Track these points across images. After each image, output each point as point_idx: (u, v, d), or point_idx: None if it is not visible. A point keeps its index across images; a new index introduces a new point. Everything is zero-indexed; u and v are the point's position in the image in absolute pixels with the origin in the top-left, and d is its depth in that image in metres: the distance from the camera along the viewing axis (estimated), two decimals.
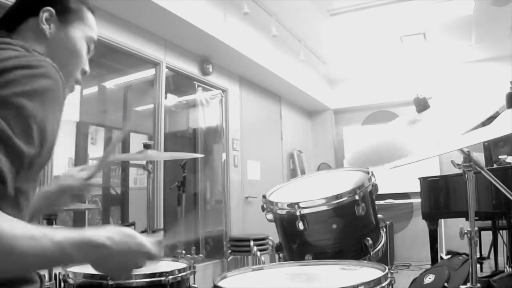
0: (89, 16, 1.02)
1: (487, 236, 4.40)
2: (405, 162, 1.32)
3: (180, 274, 1.50)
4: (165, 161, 3.85)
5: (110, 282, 1.35)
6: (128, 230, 0.79)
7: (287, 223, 1.62)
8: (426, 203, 3.55)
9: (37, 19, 0.92)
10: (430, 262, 3.69)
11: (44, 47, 0.93)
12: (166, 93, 4.01)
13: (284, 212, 1.60)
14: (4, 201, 0.66)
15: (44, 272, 2.05)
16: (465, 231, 1.45)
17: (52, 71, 0.78)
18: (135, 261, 0.79)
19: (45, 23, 0.92)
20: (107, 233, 0.75)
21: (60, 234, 0.69)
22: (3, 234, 0.61)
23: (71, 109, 3.19)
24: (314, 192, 1.72)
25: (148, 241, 0.80)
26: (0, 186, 0.65)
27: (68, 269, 1.48)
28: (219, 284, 1.17)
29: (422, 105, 1.52)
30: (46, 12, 0.92)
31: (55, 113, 0.77)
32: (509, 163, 3.40)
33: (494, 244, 4.04)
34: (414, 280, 3.17)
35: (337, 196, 1.53)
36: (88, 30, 1.00)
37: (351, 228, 1.59)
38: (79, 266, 1.57)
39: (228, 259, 4.27)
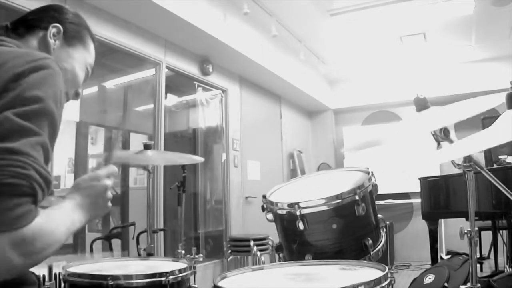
0: (91, 44, 1.10)
1: (487, 236, 4.40)
2: (412, 167, 1.32)
3: (180, 274, 1.50)
4: None
5: (110, 282, 1.35)
6: (91, 174, 0.94)
7: (287, 223, 1.62)
8: (426, 203, 3.55)
9: (45, 32, 0.99)
10: (430, 262, 3.69)
11: None
12: (166, 93, 4.01)
13: (284, 212, 1.60)
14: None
15: (44, 272, 2.06)
16: (465, 231, 1.45)
17: (52, 64, 0.82)
18: (103, 196, 0.95)
19: (51, 38, 0.99)
20: (75, 189, 0.90)
21: (64, 212, 0.82)
22: (49, 233, 0.73)
23: (71, 109, 3.19)
24: (314, 192, 1.72)
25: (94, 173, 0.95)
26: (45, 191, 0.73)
27: (68, 269, 1.48)
28: (219, 284, 1.17)
29: (422, 105, 1.52)
30: (55, 28, 1.00)
31: (60, 108, 0.82)
32: (509, 163, 3.40)
33: (494, 244, 4.04)
34: (414, 280, 3.17)
35: (337, 196, 1.53)
36: (88, 57, 1.08)
37: (351, 228, 1.58)
38: (80, 265, 1.60)
39: (228, 259, 4.27)
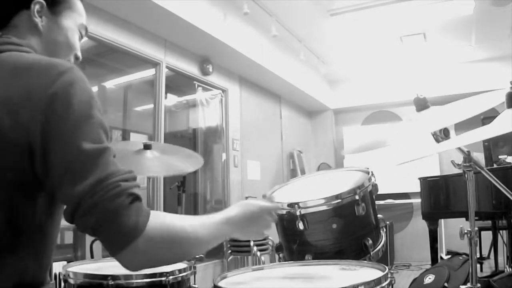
0: (77, 3, 1.04)
1: (487, 236, 4.40)
2: (408, 160, 1.32)
3: (180, 274, 1.50)
4: None
5: (110, 282, 1.35)
6: (250, 200, 1.08)
7: (287, 223, 1.62)
8: (426, 203, 3.55)
9: (29, 12, 0.93)
10: (430, 262, 3.69)
11: (38, 40, 0.94)
12: (166, 93, 4.01)
13: (284, 212, 1.60)
14: None
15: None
16: (465, 231, 1.45)
17: (79, 73, 0.83)
18: (260, 221, 1.09)
19: (37, 16, 0.93)
20: (236, 208, 1.02)
21: (214, 218, 0.93)
22: (191, 231, 0.85)
23: None
24: (314, 192, 1.72)
25: (264, 203, 1.10)
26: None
27: (68, 269, 1.48)
28: (219, 284, 1.17)
29: (422, 105, 1.52)
30: (37, 5, 0.93)
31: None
32: (509, 163, 3.41)
33: (494, 244, 4.04)
34: (414, 280, 3.17)
35: (337, 196, 1.53)
36: (78, 17, 1.03)
37: (351, 228, 1.58)
38: (80, 265, 1.58)
39: (228, 259, 4.27)
